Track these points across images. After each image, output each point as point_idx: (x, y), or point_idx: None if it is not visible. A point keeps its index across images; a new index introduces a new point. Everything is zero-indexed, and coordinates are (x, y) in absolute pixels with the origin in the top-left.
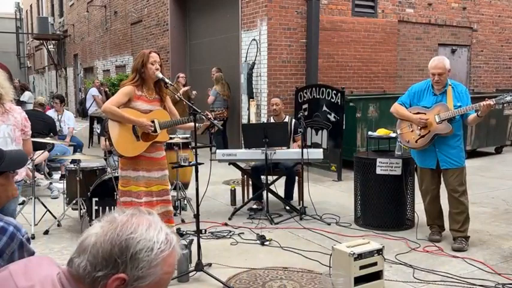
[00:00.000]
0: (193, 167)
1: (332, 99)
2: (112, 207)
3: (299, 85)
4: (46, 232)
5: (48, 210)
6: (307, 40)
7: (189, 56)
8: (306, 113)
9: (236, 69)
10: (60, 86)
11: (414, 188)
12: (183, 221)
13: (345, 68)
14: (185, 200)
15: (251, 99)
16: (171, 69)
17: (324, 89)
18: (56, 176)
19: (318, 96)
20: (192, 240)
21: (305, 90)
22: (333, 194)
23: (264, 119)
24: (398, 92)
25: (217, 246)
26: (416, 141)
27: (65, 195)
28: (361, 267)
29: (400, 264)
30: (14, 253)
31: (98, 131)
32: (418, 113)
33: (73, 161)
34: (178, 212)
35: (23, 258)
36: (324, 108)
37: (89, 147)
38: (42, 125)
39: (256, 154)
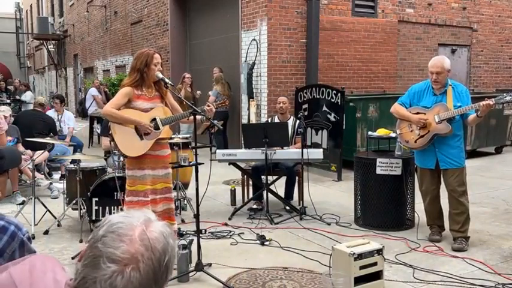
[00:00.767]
0: (193, 167)
1: (332, 99)
2: (112, 207)
3: (299, 85)
4: (46, 232)
5: (48, 210)
6: (307, 40)
7: (189, 56)
8: (306, 113)
9: (236, 69)
10: (60, 86)
11: (414, 188)
12: (183, 221)
13: (345, 68)
14: (185, 200)
15: (251, 99)
16: (171, 69)
17: (324, 89)
18: (56, 176)
19: (318, 96)
20: (192, 240)
21: (305, 90)
22: (333, 194)
23: (264, 119)
24: (398, 92)
25: (217, 246)
26: (415, 141)
27: (65, 195)
28: (361, 267)
29: (400, 264)
30: (14, 252)
31: (99, 131)
32: (417, 113)
33: (73, 161)
34: (178, 212)
35: (25, 260)
36: (324, 108)
37: (89, 147)
38: (42, 125)
39: (256, 154)
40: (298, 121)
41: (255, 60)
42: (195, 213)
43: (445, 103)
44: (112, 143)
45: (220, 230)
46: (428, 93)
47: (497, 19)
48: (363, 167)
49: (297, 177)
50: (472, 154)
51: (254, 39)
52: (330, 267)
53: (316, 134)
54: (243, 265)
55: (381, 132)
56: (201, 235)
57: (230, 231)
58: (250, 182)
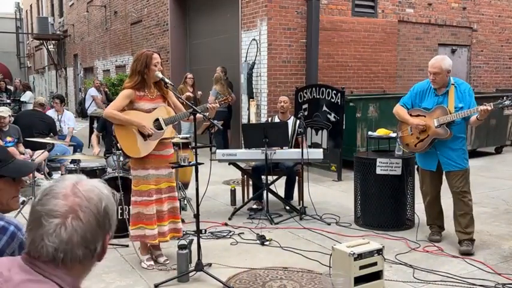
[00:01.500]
0: (193, 167)
1: (332, 99)
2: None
3: (299, 85)
4: None
5: None
6: (307, 40)
7: (189, 56)
8: (306, 113)
9: (236, 69)
10: (60, 86)
11: (414, 188)
12: (183, 221)
13: (345, 68)
14: (185, 200)
15: (251, 99)
16: (171, 69)
17: (324, 89)
18: (56, 176)
19: (318, 96)
20: (192, 240)
21: (305, 90)
22: (333, 194)
23: (264, 119)
24: (398, 92)
25: (217, 246)
26: (415, 145)
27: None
28: (361, 267)
29: (400, 264)
30: (14, 253)
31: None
32: (418, 115)
33: (73, 161)
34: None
35: None
36: (324, 108)
37: (89, 147)
38: (42, 125)
39: (256, 154)
40: (298, 121)
41: (255, 60)
42: (195, 213)
43: (445, 105)
44: (96, 139)
45: (220, 230)
46: (430, 94)
47: (497, 19)
48: (363, 167)
49: (297, 177)
50: (472, 154)
51: (254, 39)
52: (330, 267)
53: (316, 134)
54: (243, 265)
55: (381, 132)
56: (201, 235)
57: (230, 231)
58: (250, 182)
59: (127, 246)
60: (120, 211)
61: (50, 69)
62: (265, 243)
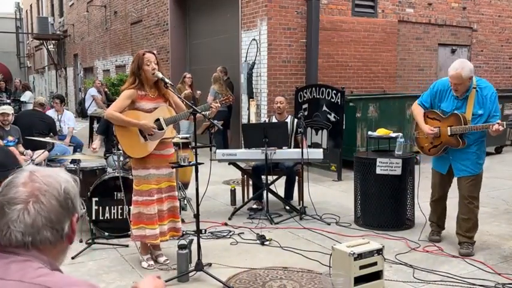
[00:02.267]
0: (193, 167)
1: (332, 99)
2: (112, 207)
3: (299, 85)
4: None
5: None
6: (307, 40)
7: (189, 56)
8: (306, 113)
9: (236, 69)
10: (60, 86)
11: (414, 188)
12: (183, 221)
13: (345, 68)
14: (185, 200)
15: (251, 99)
16: (171, 69)
17: (324, 89)
18: None
19: (318, 96)
20: (192, 240)
21: (305, 90)
22: (333, 194)
23: (264, 119)
24: (398, 92)
25: (217, 246)
26: (429, 150)
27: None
28: (361, 267)
29: (400, 264)
30: None
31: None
32: (434, 118)
33: (73, 161)
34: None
35: None
36: (324, 108)
37: (89, 147)
38: (42, 125)
39: (256, 154)
40: (296, 120)
41: (255, 60)
42: (195, 213)
43: (463, 111)
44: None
45: (220, 230)
46: (450, 96)
47: (497, 19)
48: (363, 167)
49: (296, 177)
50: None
51: (254, 39)
52: (330, 267)
53: (316, 134)
54: (243, 265)
55: (381, 132)
56: (201, 235)
57: (230, 231)
58: (250, 182)
59: (127, 246)
60: (120, 211)
61: (50, 69)
62: (265, 243)
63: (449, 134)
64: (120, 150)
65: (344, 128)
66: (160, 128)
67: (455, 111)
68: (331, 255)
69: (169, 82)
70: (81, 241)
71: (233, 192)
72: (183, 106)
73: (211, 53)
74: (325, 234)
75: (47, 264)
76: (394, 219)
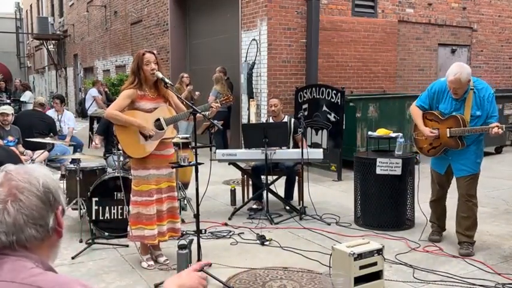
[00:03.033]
0: (193, 167)
1: (332, 99)
2: (112, 207)
3: (299, 85)
4: None
5: None
6: (307, 40)
7: (189, 56)
8: (306, 113)
9: (236, 69)
10: (60, 86)
11: (414, 188)
12: (183, 221)
13: (345, 68)
14: (185, 200)
15: (251, 99)
16: (171, 69)
17: (324, 89)
18: (56, 175)
19: (318, 96)
20: (192, 240)
21: (305, 90)
22: (333, 194)
23: (264, 119)
24: (398, 92)
25: (217, 246)
26: (428, 151)
27: (65, 195)
28: (361, 267)
29: (400, 264)
30: None
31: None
32: (432, 119)
33: (73, 161)
34: (178, 212)
35: None
36: (324, 108)
37: (89, 147)
38: (42, 125)
39: (256, 154)
40: (293, 120)
41: (255, 60)
42: (195, 213)
43: (461, 113)
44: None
45: (220, 230)
46: (448, 97)
47: (497, 19)
48: (363, 167)
49: (296, 177)
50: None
51: (254, 39)
52: (330, 267)
53: (316, 134)
54: (243, 265)
55: (381, 132)
56: (201, 235)
57: (230, 231)
58: (250, 182)
59: (127, 246)
60: (120, 211)
61: (50, 69)
62: (265, 243)
63: (448, 135)
64: (120, 150)
65: (344, 128)
66: (161, 128)
67: (454, 113)
68: (331, 255)
69: (169, 82)
70: (81, 241)
71: (233, 192)
72: (183, 107)
73: (211, 53)
74: (325, 234)
75: (39, 264)
76: (394, 219)
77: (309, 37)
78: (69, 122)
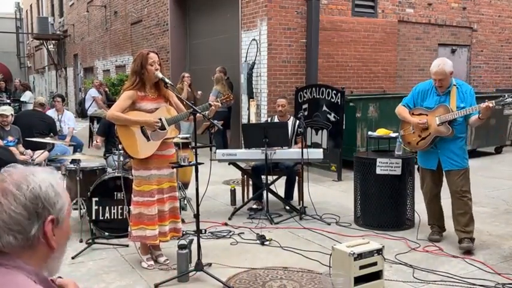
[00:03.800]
0: (193, 167)
1: (332, 99)
2: (112, 207)
3: (299, 85)
4: None
5: None
6: (307, 40)
7: (189, 56)
8: (306, 113)
9: (236, 69)
10: (60, 86)
11: (414, 188)
12: (183, 221)
13: (345, 68)
14: (185, 200)
15: (251, 99)
16: (171, 69)
17: (324, 89)
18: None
19: (318, 96)
20: (192, 240)
21: (305, 90)
22: (333, 194)
23: (264, 119)
24: (398, 92)
25: (217, 246)
26: (417, 143)
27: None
28: (361, 267)
29: (400, 264)
30: None
31: (95, 130)
32: (420, 114)
33: (73, 161)
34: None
35: None
36: (324, 108)
37: (89, 147)
38: (42, 125)
39: (256, 154)
40: (298, 121)
41: (255, 60)
42: (195, 213)
43: (447, 104)
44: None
45: (220, 230)
46: (432, 93)
47: (497, 19)
48: (363, 167)
49: (297, 177)
50: (472, 154)
51: (254, 39)
52: (330, 267)
53: (316, 134)
54: (243, 265)
55: (381, 132)
56: (201, 235)
57: (230, 231)
58: (250, 182)
59: (127, 246)
60: (120, 211)
61: (50, 69)
62: (265, 243)
63: (437, 123)
64: (120, 150)
65: (344, 128)
66: (163, 128)
67: (442, 104)
68: (331, 255)
69: (170, 82)
70: (81, 241)
71: (233, 192)
72: (183, 107)
73: (211, 53)
74: (325, 234)
75: (33, 275)
76: (394, 219)
77: (309, 37)
78: (69, 122)
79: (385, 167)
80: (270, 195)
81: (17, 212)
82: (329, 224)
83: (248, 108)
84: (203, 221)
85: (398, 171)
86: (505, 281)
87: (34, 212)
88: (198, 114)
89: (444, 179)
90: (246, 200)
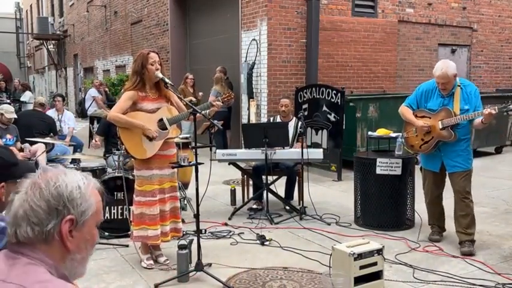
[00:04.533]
0: (193, 167)
1: (332, 99)
2: (112, 207)
3: (299, 85)
4: None
5: None
6: (307, 40)
7: (189, 56)
8: (306, 113)
9: (236, 69)
10: (60, 86)
11: (414, 188)
12: (183, 221)
13: (345, 68)
14: (185, 200)
15: (251, 99)
16: (171, 69)
17: (324, 89)
18: None
19: (318, 96)
20: (192, 240)
21: (305, 90)
22: (333, 194)
23: (264, 119)
24: (398, 92)
25: (217, 246)
26: (420, 147)
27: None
28: (361, 267)
29: (400, 264)
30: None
31: (94, 130)
32: (423, 116)
33: (73, 161)
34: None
35: None
36: (324, 108)
37: (89, 147)
38: (42, 125)
39: (256, 154)
40: (300, 123)
41: (255, 60)
42: (195, 213)
43: (450, 107)
44: (101, 142)
45: (220, 230)
46: (436, 95)
47: (497, 19)
48: (363, 167)
49: (297, 177)
50: (472, 154)
51: (254, 39)
52: (330, 267)
53: (316, 134)
54: (243, 265)
55: (381, 132)
56: (201, 235)
57: (230, 231)
58: (250, 182)
59: (127, 246)
60: (120, 211)
61: (50, 69)
62: (265, 243)
63: (440, 127)
64: (120, 150)
65: (344, 128)
66: (164, 128)
67: (445, 107)
68: (331, 255)
69: (170, 82)
70: None
71: (233, 192)
72: (184, 107)
73: (211, 53)
74: (325, 234)
75: (53, 270)
76: (394, 219)
77: (309, 37)
78: (69, 122)
79: (385, 167)
80: (270, 195)
81: (38, 205)
82: (329, 224)
83: (248, 108)
84: (203, 221)
85: (398, 171)
86: (505, 281)
87: (54, 208)
88: (198, 114)
89: (447, 179)
90: (246, 200)
